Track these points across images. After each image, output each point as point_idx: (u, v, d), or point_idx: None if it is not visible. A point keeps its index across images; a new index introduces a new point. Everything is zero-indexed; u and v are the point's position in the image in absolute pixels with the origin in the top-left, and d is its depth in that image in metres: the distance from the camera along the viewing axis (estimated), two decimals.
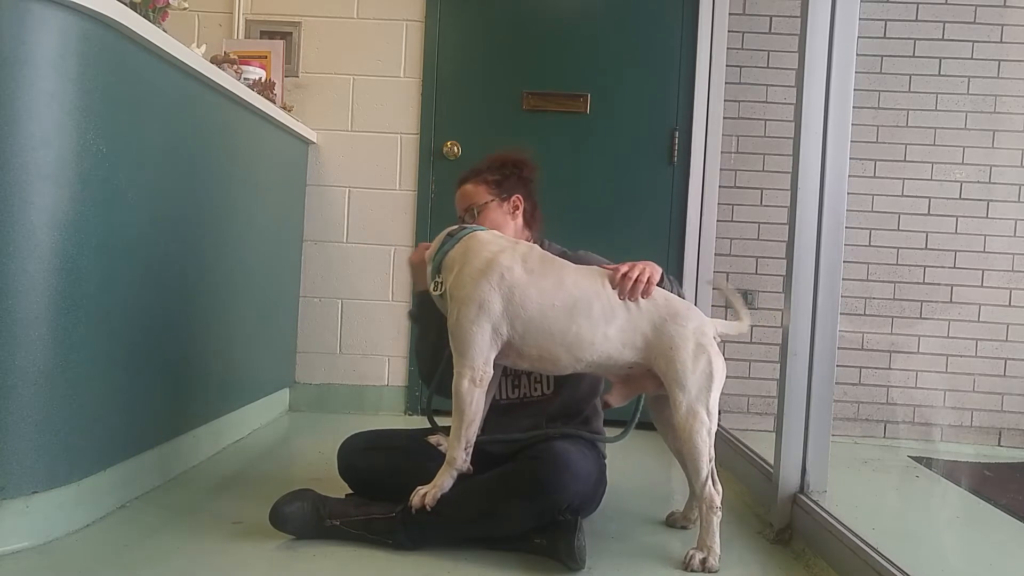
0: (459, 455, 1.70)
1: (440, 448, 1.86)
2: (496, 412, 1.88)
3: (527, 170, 2.00)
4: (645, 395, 1.91)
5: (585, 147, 3.35)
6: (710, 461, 1.71)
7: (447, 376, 1.75)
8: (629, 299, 1.72)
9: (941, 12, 3.40)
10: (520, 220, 1.98)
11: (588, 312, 1.71)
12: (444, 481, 1.70)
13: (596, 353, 1.72)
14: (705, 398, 1.70)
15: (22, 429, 1.63)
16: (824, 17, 1.90)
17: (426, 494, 1.69)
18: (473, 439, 1.72)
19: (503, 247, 1.74)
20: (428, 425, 2.00)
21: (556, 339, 1.70)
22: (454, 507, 1.72)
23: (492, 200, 1.95)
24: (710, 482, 1.72)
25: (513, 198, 1.97)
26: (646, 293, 1.73)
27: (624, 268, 1.75)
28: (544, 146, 3.33)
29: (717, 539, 1.72)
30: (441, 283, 1.75)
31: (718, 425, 1.76)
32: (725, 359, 1.78)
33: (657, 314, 1.74)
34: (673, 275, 3.27)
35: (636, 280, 1.72)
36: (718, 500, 1.72)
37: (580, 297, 1.71)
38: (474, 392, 1.67)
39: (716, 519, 1.72)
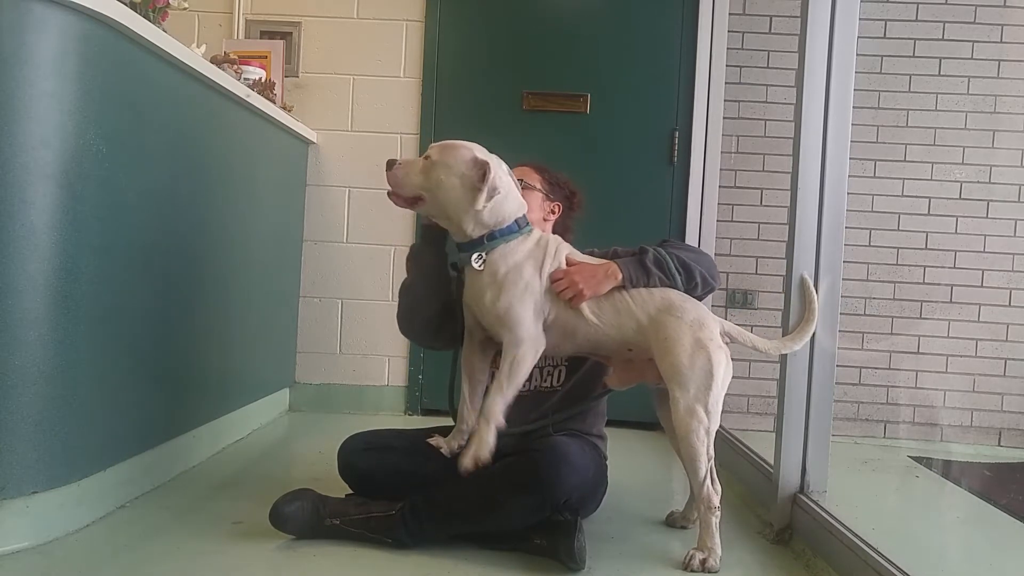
0: (500, 411, 1.69)
1: (440, 450, 1.86)
2: None
3: (576, 198, 2.09)
4: (650, 391, 1.92)
5: (585, 147, 3.34)
6: (709, 460, 1.71)
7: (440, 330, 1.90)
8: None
9: (941, 12, 3.40)
10: (550, 227, 2.02)
11: None
12: (488, 437, 1.67)
13: (590, 327, 1.75)
14: (704, 397, 1.69)
15: (22, 429, 1.63)
16: (824, 17, 1.90)
17: (476, 454, 1.66)
18: (511, 400, 1.72)
19: (548, 237, 1.83)
20: (428, 424, 2.00)
21: (564, 313, 1.75)
22: (454, 501, 1.73)
23: (539, 191, 2.01)
24: (709, 481, 1.71)
25: (554, 203, 2.04)
26: (572, 304, 1.74)
27: (558, 275, 1.76)
28: (544, 146, 3.31)
29: (717, 539, 1.72)
30: (484, 260, 1.74)
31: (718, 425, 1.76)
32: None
33: (653, 304, 1.76)
34: None
35: (561, 293, 1.74)
36: (716, 500, 1.72)
37: None
38: (529, 361, 1.71)
39: (715, 519, 1.72)
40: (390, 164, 1.79)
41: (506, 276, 1.71)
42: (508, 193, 1.76)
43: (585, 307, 1.75)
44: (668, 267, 1.80)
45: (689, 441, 1.70)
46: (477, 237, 1.74)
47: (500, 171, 1.75)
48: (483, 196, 1.68)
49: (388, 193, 1.80)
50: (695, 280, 1.82)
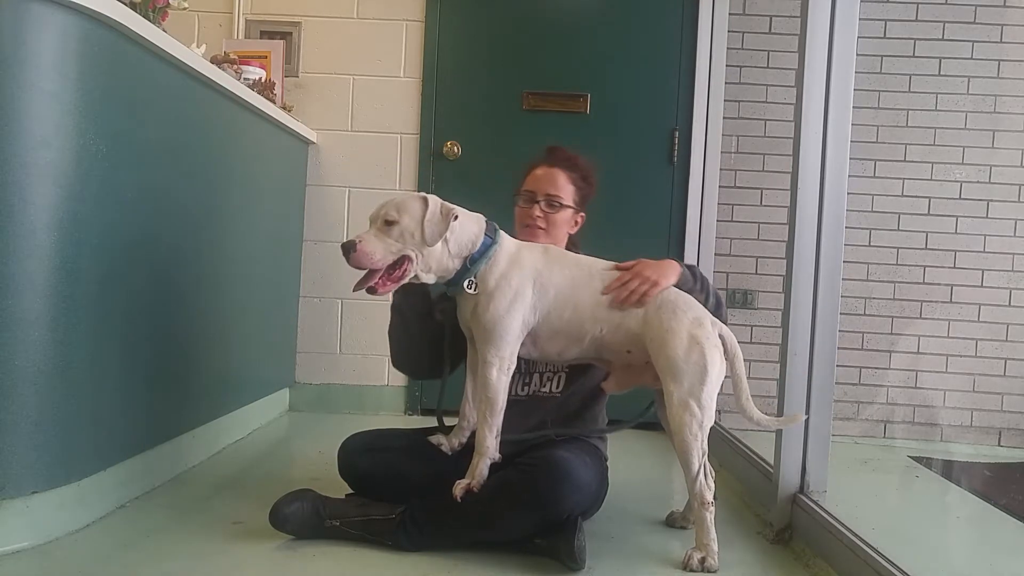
0: (491, 444, 1.73)
1: (441, 447, 1.86)
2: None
3: (594, 189, 2.05)
4: (652, 390, 1.91)
5: (585, 147, 3.29)
6: (702, 456, 1.71)
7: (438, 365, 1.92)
8: (621, 305, 1.75)
9: (941, 12, 3.40)
10: (565, 238, 2.01)
11: (588, 285, 1.78)
12: (482, 470, 1.72)
13: (591, 328, 1.76)
14: (698, 392, 1.69)
15: (22, 429, 1.63)
16: (824, 17, 1.90)
17: (469, 483, 1.70)
18: (500, 427, 1.75)
19: (532, 245, 1.84)
20: (428, 424, 2.00)
21: (564, 316, 1.76)
22: (453, 516, 1.73)
23: (572, 208, 1.98)
24: (702, 477, 1.71)
25: (580, 215, 2.02)
26: (640, 303, 1.75)
27: (626, 277, 1.76)
28: (544, 146, 3.32)
29: (713, 536, 1.72)
30: (476, 283, 1.74)
31: (717, 423, 1.76)
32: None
33: (654, 301, 1.76)
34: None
35: (631, 292, 1.74)
36: (709, 496, 1.72)
37: (579, 275, 1.79)
38: (503, 381, 1.73)
39: (709, 516, 1.72)
40: (348, 247, 1.65)
41: (496, 287, 1.73)
42: (461, 215, 1.76)
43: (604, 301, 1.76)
44: (707, 286, 1.85)
45: (682, 435, 1.70)
46: (459, 268, 1.74)
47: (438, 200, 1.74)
48: (447, 223, 1.69)
49: (367, 288, 1.68)
50: (713, 311, 1.84)
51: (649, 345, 1.75)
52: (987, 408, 3.41)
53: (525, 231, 1.98)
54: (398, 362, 2.03)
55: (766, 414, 1.77)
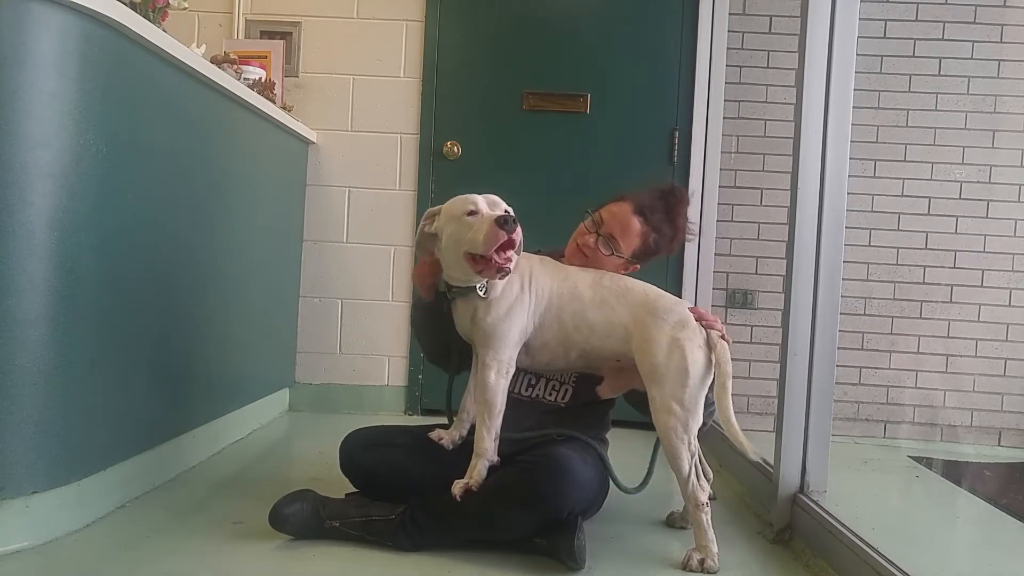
0: (489, 445, 1.73)
1: (442, 442, 1.87)
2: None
3: (676, 243, 2.02)
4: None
5: (585, 147, 3.34)
6: (692, 457, 1.71)
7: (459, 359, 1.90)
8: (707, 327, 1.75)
9: (941, 12, 3.40)
10: None
11: (570, 304, 1.78)
12: (480, 471, 1.72)
13: (582, 338, 1.77)
14: (680, 393, 1.69)
15: (22, 429, 1.63)
16: (824, 17, 1.90)
17: (467, 483, 1.70)
18: (499, 429, 1.75)
19: (530, 255, 1.85)
20: (429, 423, 2.00)
21: (552, 328, 1.77)
22: (454, 515, 1.73)
23: (625, 259, 1.95)
24: (693, 479, 1.71)
25: (635, 267, 1.99)
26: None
27: (717, 324, 1.78)
28: (544, 146, 3.33)
29: (712, 537, 1.72)
30: (487, 287, 1.73)
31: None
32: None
33: (641, 308, 1.77)
34: (672, 274, 3.28)
35: (716, 323, 1.76)
36: (703, 497, 1.72)
37: (565, 289, 1.80)
38: (500, 384, 1.73)
39: (705, 517, 1.72)
40: (515, 221, 1.61)
41: (499, 292, 1.74)
42: None
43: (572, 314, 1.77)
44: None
45: (668, 439, 1.70)
46: None
47: None
48: None
49: (510, 265, 1.63)
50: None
51: (635, 355, 1.76)
52: (987, 408, 3.41)
53: (572, 246, 1.98)
54: (432, 356, 2.01)
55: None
